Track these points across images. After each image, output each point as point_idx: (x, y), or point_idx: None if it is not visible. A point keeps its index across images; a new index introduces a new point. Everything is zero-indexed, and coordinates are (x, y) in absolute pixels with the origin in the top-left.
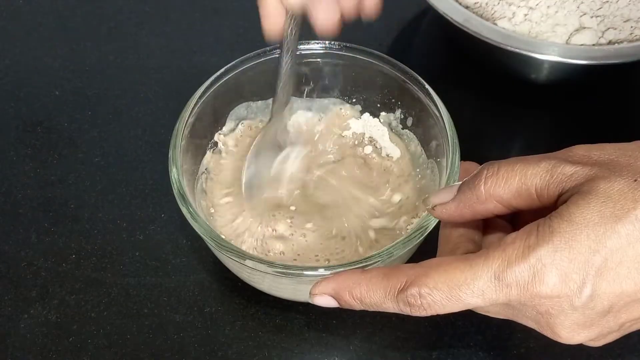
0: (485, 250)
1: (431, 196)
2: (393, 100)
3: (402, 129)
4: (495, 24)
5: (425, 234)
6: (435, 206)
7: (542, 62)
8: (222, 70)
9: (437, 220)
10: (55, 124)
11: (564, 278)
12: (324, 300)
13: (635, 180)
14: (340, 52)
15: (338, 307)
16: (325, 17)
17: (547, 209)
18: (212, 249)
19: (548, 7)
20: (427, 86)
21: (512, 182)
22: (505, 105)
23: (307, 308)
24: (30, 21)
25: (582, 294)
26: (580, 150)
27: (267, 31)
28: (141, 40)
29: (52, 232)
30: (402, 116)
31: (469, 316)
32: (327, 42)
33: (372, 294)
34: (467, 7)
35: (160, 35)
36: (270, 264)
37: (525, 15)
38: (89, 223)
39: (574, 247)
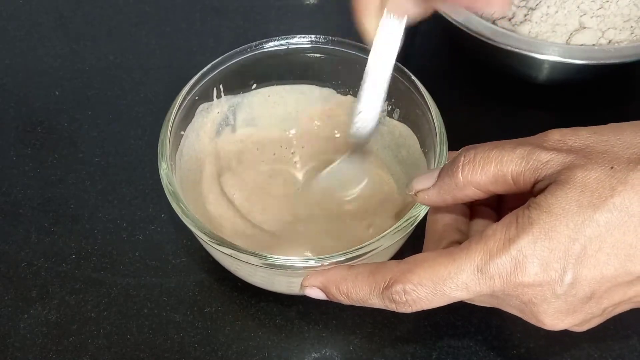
0: (467, 243)
1: (413, 181)
2: None
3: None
4: (495, 24)
5: (415, 224)
6: (417, 192)
7: (542, 62)
8: (209, 65)
9: (426, 210)
10: (55, 124)
11: (545, 267)
12: (314, 292)
13: (612, 168)
14: (327, 46)
15: (332, 301)
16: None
17: (527, 194)
18: (204, 244)
19: (548, 7)
20: (413, 77)
21: (488, 168)
22: (505, 105)
23: (307, 308)
24: (30, 21)
25: (563, 282)
26: (555, 135)
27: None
28: (141, 40)
29: (52, 232)
30: (389, 108)
31: (468, 316)
32: (313, 36)
33: (358, 290)
34: None
35: (160, 35)
36: (261, 256)
37: (525, 15)
38: (89, 223)
39: (554, 237)
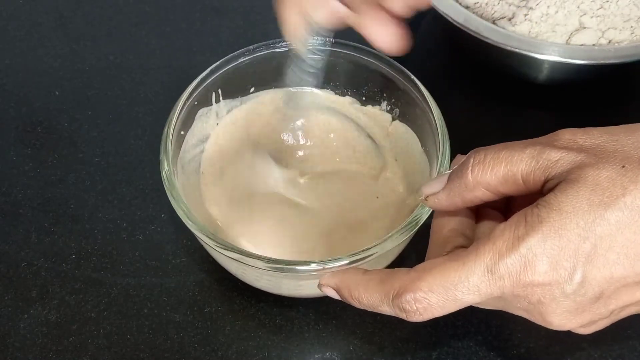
0: (475, 245)
1: (423, 187)
2: (378, 93)
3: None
4: (495, 24)
5: (418, 226)
6: (427, 196)
7: (542, 62)
8: (207, 70)
9: (429, 212)
10: (55, 124)
11: (555, 265)
12: (329, 292)
13: (623, 167)
14: (325, 47)
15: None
16: (383, 36)
17: (536, 195)
18: (206, 245)
19: (548, 7)
20: (413, 77)
21: (498, 169)
22: (505, 105)
23: (307, 308)
24: (30, 21)
25: (572, 281)
26: (566, 134)
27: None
28: (141, 40)
29: (52, 232)
30: (388, 108)
31: (469, 316)
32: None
33: (369, 297)
34: (467, 7)
35: (160, 35)
36: (264, 258)
37: (525, 15)
38: (89, 223)
39: (564, 235)
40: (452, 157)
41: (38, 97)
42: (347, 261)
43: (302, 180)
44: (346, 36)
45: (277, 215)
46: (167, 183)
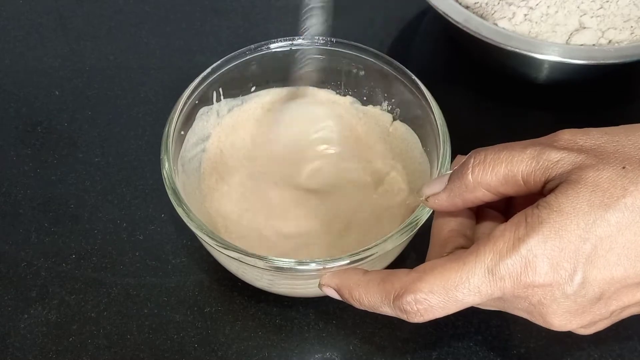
0: (476, 245)
1: (424, 187)
2: (379, 93)
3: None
4: (495, 24)
5: (418, 226)
6: (428, 197)
7: (542, 62)
8: (209, 69)
9: (430, 213)
10: (55, 124)
11: (555, 267)
12: (330, 292)
13: (624, 168)
14: (326, 47)
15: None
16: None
17: (536, 195)
18: (206, 245)
19: (548, 7)
20: (413, 77)
21: (498, 169)
22: (505, 105)
23: (307, 308)
24: (30, 21)
25: (573, 282)
26: (565, 135)
27: None
28: (141, 40)
29: (52, 232)
30: (389, 108)
31: (469, 316)
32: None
33: (369, 297)
34: (467, 7)
35: (160, 35)
36: (264, 258)
37: (525, 15)
38: (89, 223)
39: (564, 236)
40: (453, 157)
41: (38, 97)
42: (348, 261)
43: (302, 180)
44: (347, 36)
45: (278, 215)
46: (167, 182)
